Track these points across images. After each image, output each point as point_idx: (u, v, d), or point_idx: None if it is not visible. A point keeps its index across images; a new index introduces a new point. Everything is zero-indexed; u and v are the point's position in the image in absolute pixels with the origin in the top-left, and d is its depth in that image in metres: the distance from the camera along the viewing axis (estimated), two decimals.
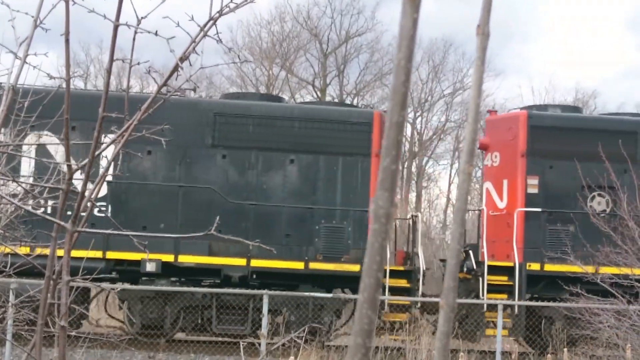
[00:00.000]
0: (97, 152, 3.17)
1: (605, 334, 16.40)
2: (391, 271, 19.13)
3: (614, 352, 16.97)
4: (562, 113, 21.30)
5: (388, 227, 1.62)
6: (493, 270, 19.48)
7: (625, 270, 18.42)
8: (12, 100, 3.60)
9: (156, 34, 3.18)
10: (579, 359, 18.06)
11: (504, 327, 19.09)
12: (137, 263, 18.36)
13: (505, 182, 20.36)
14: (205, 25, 3.24)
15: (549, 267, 19.42)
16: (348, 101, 47.06)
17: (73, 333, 4.87)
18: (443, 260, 21.56)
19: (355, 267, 18.91)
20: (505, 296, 19.30)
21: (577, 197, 19.71)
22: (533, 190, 20.05)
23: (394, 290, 19.29)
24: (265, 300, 17.73)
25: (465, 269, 20.18)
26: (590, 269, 19.26)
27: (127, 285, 18.55)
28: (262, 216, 19.04)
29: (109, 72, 3.08)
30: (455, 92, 48.09)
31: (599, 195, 19.92)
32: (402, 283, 19.48)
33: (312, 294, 19.04)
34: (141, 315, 18.73)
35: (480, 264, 19.50)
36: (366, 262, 1.62)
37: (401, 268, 20.02)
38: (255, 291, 18.54)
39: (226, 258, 18.62)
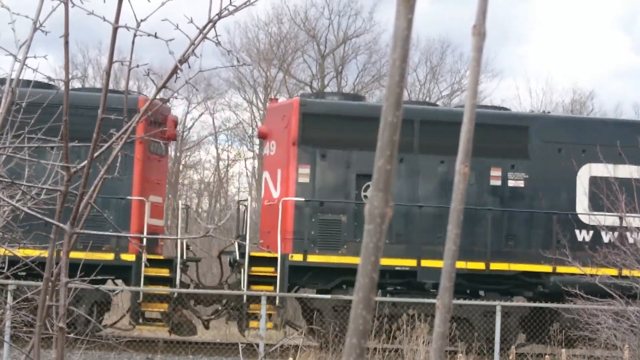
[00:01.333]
0: (95, 154, 3.18)
1: (603, 334, 16.42)
2: (152, 260, 18.76)
3: (612, 352, 17.00)
4: (338, 101, 20.77)
5: (383, 228, 1.64)
6: (260, 261, 19.17)
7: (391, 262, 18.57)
8: (10, 103, 3.62)
9: (155, 36, 3.19)
10: (577, 359, 18.07)
11: (269, 320, 18.92)
12: None
13: (279, 171, 19.87)
14: (204, 27, 3.26)
15: (312, 258, 19.13)
16: None
17: (71, 335, 4.88)
18: (223, 253, 21.05)
19: (109, 256, 18.53)
20: (270, 288, 18.96)
21: (350, 186, 19.50)
22: (304, 179, 19.47)
23: (153, 280, 19.01)
24: (263, 302, 17.74)
25: (230, 260, 19.96)
26: (355, 259, 19.20)
27: (125, 286, 18.54)
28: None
29: (108, 74, 3.09)
30: (453, 93, 48.10)
31: None
32: (164, 272, 19.12)
33: (308, 295, 19.03)
34: None
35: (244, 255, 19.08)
36: (361, 262, 1.63)
37: (161, 257, 19.79)
38: (254, 292, 18.53)
39: None
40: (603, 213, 18.24)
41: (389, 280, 19.13)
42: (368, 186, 19.30)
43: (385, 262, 18.45)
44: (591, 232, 19.62)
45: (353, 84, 46.24)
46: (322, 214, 19.35)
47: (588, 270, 16.93)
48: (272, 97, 23.48)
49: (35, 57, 3.56)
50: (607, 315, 16.40)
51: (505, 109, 23.44)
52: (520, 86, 79.27)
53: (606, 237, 19.25)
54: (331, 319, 18.80)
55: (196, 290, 19.31)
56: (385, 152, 1.63)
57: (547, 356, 17.01)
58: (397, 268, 18.88)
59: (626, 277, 16.91)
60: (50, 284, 3.25)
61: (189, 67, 3.32)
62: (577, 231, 19.70)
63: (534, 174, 19.82)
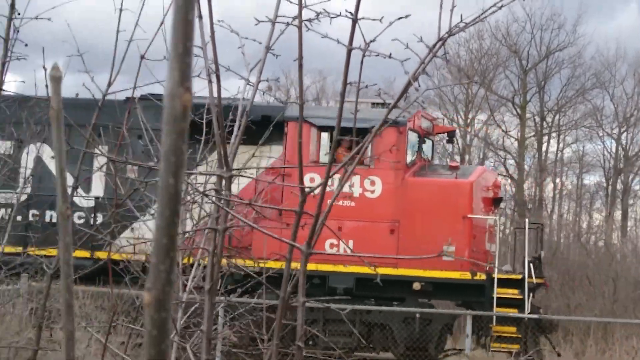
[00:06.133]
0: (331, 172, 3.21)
1: None
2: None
3: None
4: None
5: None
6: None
7: None
8: (245, 124, 3.71)
9: (390, 56, 3.20)
10: None
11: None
12: None
13: None
14: (434, 46, 3.24)
15: None
16: (549, 118, 46.15)
17: (305, 354, 4.94)
18: None
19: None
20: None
21: None
22: None
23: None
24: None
25: None
26: None
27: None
28: None
29: (342, 95, 3.12)
30: None
31: None
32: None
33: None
34: None
35: None
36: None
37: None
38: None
39: None
40: None
41: None
42: None
43: None
44: None
45: (556, 99, 45.28)
46: None
47: None
48: None
49: (268, 80, 3.64)
50: None
51: None
52: None
53: None
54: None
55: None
56: None
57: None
58: None
59: None
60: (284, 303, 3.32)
61: (419, 85, 3.30)
62: None
63: None
